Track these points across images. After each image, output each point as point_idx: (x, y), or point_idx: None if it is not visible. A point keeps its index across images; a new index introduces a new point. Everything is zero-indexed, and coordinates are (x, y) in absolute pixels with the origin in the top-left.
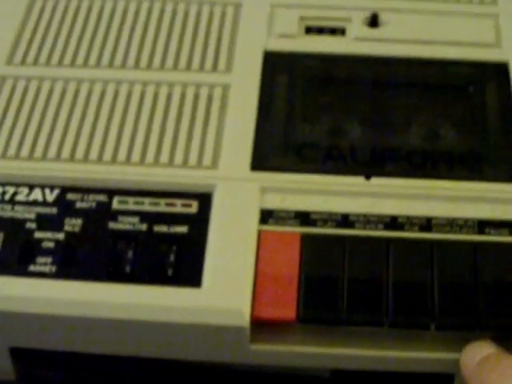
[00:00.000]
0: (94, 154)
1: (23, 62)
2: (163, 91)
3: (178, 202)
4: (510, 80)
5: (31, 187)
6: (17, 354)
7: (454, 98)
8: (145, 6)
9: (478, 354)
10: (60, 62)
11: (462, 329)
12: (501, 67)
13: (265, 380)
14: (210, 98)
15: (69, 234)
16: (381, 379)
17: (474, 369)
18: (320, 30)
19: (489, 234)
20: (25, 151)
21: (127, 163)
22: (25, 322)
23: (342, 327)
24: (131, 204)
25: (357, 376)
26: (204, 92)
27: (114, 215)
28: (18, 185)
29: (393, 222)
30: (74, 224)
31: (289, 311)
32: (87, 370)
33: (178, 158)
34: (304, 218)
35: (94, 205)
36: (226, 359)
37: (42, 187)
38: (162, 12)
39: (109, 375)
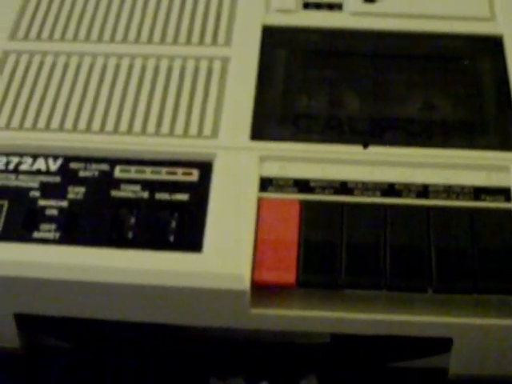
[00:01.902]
0: (96, 125)
1: (26, 37)
2: (163, 64)
3: (179, 170)
4: (504, 53)
5: (35, 157)
6: (21, 320)
7: (450, 70)
8: None
9: None
10: (62, 37)
11: (459, 292)
12: (495, 40)
13: (265, 349)
14: (209, 71)
15: (72, 202)
16: (380, 345)
17: None
18: (318, 6)
19: (484, 200)
20: (28, 122)
21: (129, 133)
22: (29, 287)
23: (341, 291)
24: (133, 172)
25: (357, 341)
26: (204, 65)
27: (117, 183)
28: (21, 155)
29: (390, 189)
30: (77, 192)
31: (289, 275)
32: (91, 338)
33: (179, 128)
34: (303, 185)
35: (96, 173)
36: (226, 324)
37: (46, 157)
38: None
39: (112, 343)
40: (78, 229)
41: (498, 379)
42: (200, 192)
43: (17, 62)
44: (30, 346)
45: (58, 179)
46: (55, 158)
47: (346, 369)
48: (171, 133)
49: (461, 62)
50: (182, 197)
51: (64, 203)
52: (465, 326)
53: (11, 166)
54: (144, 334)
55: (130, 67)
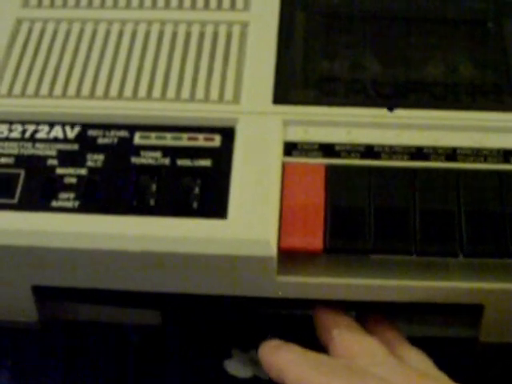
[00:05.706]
0: (114, 91)
1: (39, 4)
2: (181, 30)
3: (201, 136)
4: None
5: (51, 125)
6: (40, 292)
7: (474, 33)
8: None
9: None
10: (77, 4)
11: (491, 256)
12: None
13: (287, 321)
14: (228, 36)
15: (91, 170)
16: (407, 313)
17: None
18: None
19: None
20: (44, 89)
21: (148, 99)
22: (48, 257)
23: (369, 257)
24: (153, 139)
25: (383, 310)
26: (223, 30)
27: (137, 150)
28: (37, 123)
29: (418, 153)
30: (96, 159)
31: (315, 241)
32: (110, 309)
33: (200, 93)
34: (328, 149)
35: (115, 140)
36: (251, 293)
37: (63, 124)
38: None
39: (132, 314)
40: (97, 197)
41: None
42: (223, 158)
43: (30, 30)
44: (49, 320)
45: (75, 147)
46: (72, 125)
47: None
48: (192, 98)
49: (485, 26)
50: (205, 163)
51: (83, 171)
52: (497, 291)
53: (27, 134)
54: (166, 305)
55: (147, 33)
